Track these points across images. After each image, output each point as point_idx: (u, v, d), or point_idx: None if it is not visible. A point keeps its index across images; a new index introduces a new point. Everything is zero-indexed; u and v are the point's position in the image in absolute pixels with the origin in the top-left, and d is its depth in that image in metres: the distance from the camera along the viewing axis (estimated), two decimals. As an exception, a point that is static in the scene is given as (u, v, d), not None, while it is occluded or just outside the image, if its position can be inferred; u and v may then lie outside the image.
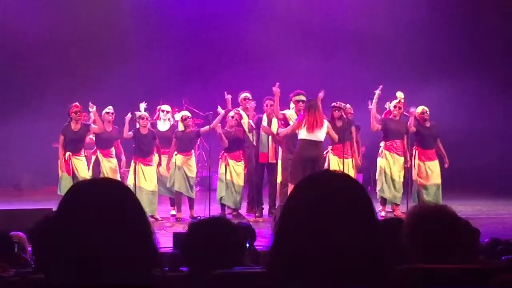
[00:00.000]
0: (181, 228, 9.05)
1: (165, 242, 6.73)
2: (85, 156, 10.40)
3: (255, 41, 14.97)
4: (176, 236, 6.21)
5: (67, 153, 10.06)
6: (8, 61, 15.08)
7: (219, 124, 10.30)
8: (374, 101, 10.38)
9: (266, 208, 10.69)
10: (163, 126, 10.86)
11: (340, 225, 1.59)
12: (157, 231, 7.89)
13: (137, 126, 10.26)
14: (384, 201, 10.55)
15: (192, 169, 10.46)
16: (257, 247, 5.41)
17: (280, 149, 10.37)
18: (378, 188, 10.56)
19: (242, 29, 15.33)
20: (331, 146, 10.38)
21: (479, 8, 15.04)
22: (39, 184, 14.86)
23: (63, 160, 10.03)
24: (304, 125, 9.34)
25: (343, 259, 1.57)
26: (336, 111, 10.22)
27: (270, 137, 10.49)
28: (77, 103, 10.18)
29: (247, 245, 4.53)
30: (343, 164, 10.12)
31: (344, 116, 10.33)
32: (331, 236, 1.58)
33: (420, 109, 10.58)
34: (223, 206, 10.49)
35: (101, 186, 1.74)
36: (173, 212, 10.64)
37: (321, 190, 1.64)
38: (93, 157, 10.48)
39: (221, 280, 2.70)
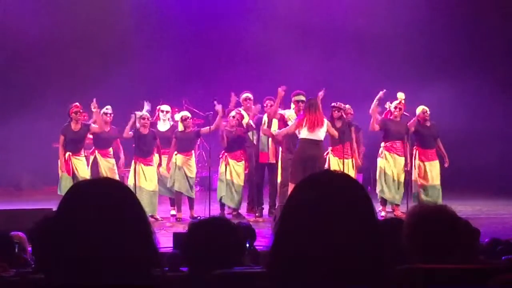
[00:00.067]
0: (181, 228, 9.05)
1: (165, 242, 6.73)
2: (85, 156, 10.41)
3: (255, 41, 14.97)
4: (176, 236, 6.21)
5: (67, 153, 10.06)
6: (8, 61, 15.07)
7: (224, 123, 10.32)
8: (375, 102, 10.38)
9: (266, 208, 10.69)
10: (163, 126, 10.86)
11: (340, 225, 1.59)
12: (157, 231, 7.88)
13: (138, 126, 10.25)
14: (384, 201, 10.55)
15: (192, 169, 10.46)
16: (257, 247, 5.40)
17: (280, 149, 10.36)
18: (378, 189, 10.56)
19: (242, 29, 15.33)
20: (331, 147, 10.38)
21: (479, 8, 15.04)
22: (39, 184, 14.86)
23: (63, 160, 10.03)
24: (305, 125, 9.33)
25: (343, 259, 1.57)
26: (336, 112, 10.23)
27: (271, 133, 10.48)
28: (77, 103, 10.18)
29: (247, 245, 4.53)
30: (343, 164, 10.12)
31: (344, 116, 10.34)
32: (331, 236, 1.58)
33: (420, 109, 10.58)
34: (222, 206, 10.50)
35: (101, 186, 1.74)
36: (173, 212, 10.64)
37: (321, 190, 1.64)
38: (91, 157, 10.48)
39: (221, 280, 2.70)
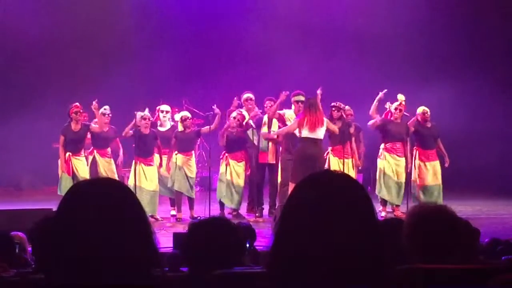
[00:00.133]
0: (181, 228, 9.06)
1: (165, 242, 6.73)
2: (85, 156, 10.41)
3: (255, 41, 14.97)
4: (176, 236, 6.21)
5: (67, 153, 10.06)
6: (8, 61, 15.07)
7: (228, 122, 10.35)
8: (375, 103, 10.38)
9: (266, 208, 10.69)
10: (163, 126, 10.87)
11: (340, 225, 1.59)
12: (157, 231, 7.88)
13: (139, 125, 10.25)
14: (384, 202, 10.54)
15: (192, 169, 10.47)
16: (257, 247, 5.41)
17: (280, 149, 10.37)
18: (377, 190, 10.55)
19: (242, 29, 15.34)
20: (331, 147, 10.37)
21: (479, 8, 15.03)
22: (39, 184, 14.86)
23: (63, 160, 10.03)
24: (306, 124, 9.32)
25: (343, 259, 1.57)
26: (336, 111, 10.22)
27: (271, 136, 10.47)
28: (77, 103, 10.18)
29: (247, 245, 4.53)
30: (343, 164, 10.12)
31: (344, 116, 10.34)
32: (332, 236, 1.58)
33: (420, 109, 10.57)
34: (222, 206, 10.50)
35: (101, 186, 1.74)
36: (173, 212, 10.64)
37: (321, 190, 1.64)
38: (90, 157, 10.48)
39: (221, 280, 2.70)
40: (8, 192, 14.66)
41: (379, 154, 10.64)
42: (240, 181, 10.40)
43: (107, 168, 10.49)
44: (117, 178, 10.42)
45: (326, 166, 10.05)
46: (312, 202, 1.62)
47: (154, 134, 10.40)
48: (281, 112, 10.25)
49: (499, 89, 14.53)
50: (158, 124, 10.90)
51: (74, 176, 9.99)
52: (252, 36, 14.99)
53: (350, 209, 1.61)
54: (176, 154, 10.37)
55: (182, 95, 13.92)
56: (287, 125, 9.90)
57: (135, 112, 10.27)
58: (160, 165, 10.44)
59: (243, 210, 10.66)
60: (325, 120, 9.57)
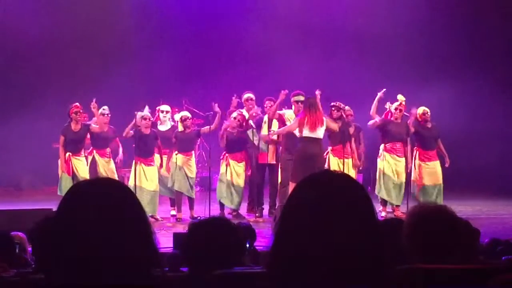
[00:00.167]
0: (181, 228, 9.06)
1: (165, 242, 6.73)
2: (85, 156, 10.41)
3: (255, 41, 14.97)
4: (176, 236, 6.21)
5: (67, 154, 10.06)
6: (8, 61, 15.07)
7: (226, 122, 10.32)
8: (375, 103, 10.37)
9: (266, 208, 10.69)
10: (163, 126, 10.87)
11: (340, 225, 1.59)
12: (157, 231, 7.87)
13: (139, 125, 10.24)
14: (384, 202, 10.54)
15: (192, 169, 10.47)
16: (257, 247, 5.41)
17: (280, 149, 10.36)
18: (376, 190, 10.55)
19: (242, 29, 15.34)
20: (331, 147, 10.37)
21: (479, 8, 15.04)
22: (39, 184, 14.86)
23: (64, 161, 10.03)
24: (307, 124, 9.31)
25: (343, 259, 1.57)
26: (335, 111, 10.22)
27: (271, 137, 10.46)
28: (77, 104, 10.18)
29: (247, 245, 4.53)
30: (343, 164, 10.12)
31: (344, 116, 10.34)
32: (332, 236, 1.58)
33: (421, 110, 10.55)
34: (222, 206, 10.50)
35: (101, 186, 1.74)
36: (173, 212, 10.64)
37: (321, 190, 1.64)
38: (89, 157, 10.48)
39: (221, 280, 2.70)
40: (8, 192, 14.66)
41: (379, 154, 10.63)
42: (240, 182, 10.40)
43: (107, 168, 10.49)
44: (117, 178, 10.43)
45: (326, 166, 10.05)
46: (312, 202, 1.62)
47: (154, 134, 10.40)
48: (280, 112, 10.24)
49: (499, 89, 14.53)
50: (159, 123, 10.90)
51: (74, 176, 9.99)
52: (252, 36, 14.99)
53: (350, 209, 1.61)
54: (176, 154, 10.37)
55: (182, 95, 13.91)
56: (286, 125, 9.89)
57: (135, 112, 10.26)
58: (161, 165, 10.43)
59: (243, 210, 10.66)
60: (325, 119, 9.57)
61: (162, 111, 10.92)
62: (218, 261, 2.90)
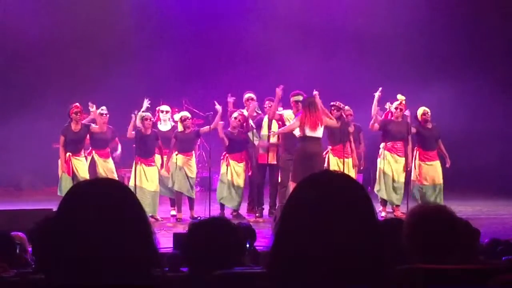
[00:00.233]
0: (181, 228, 9.06)
1: (165, 242, 6.73)
2: (85, 156, 10.41)
3: (255, 41, 14.97)
4: (176, 236, 6.21)
5: (67, 154, 10.06)
6: (8, 61, 15.07)
7: (221, 122, 10.30)
8: (374, 103, 10.37)
9: (266, 208, 10.68)
10: (164, 126, 10.87)
11: (340, 225, 1.59)
12: (157, 231, 7.88)
13: (139, 125, 10.23)
14: (384, 202, 10.54)
15: (192, 170, 10.46)
16: (257, 248, 5.41)
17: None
18: (376, 189, 10.54)
19: (242, 29, 15.33)
20: (330, 147, 10.37)
21: (479, 8, 15.03)
22: (39, 184, 14.86)
23: (64, 161, 10.03)
24: (307, 123, 9.31)
25: (343, 259, 1.57)
26: (335, 111, 10.21)
27: (271, 138, 10.46)
28: (77, 104, 10.18)
29: (247, 245, 4.53)
30: (343, 164, 10.12)
31: (344, 116, 10.34)
32: (332, 236, 1.58)
33: (421, 110, 10.55)
34: (222, 206, 10.49)
35: (101, 186, 1.74)
36: (173, 212, 10.64)
37: (321, 190, 1.64)
38: (89, 158, 10.48)
39: (221, 281, 2.70)
40: (8, 192, 14.66)
41: (380, 153, 10.63)
42: (240, 182, 10.40)
43: (106, 168, 10.50)
44: (116, 178, 10.43)
45: (325, 165, 10.04)
46: (312, 202, 1.62)
47: (155, 134, 10.39)
48: (280, 112, 10.23)
49: (499, 89, 14.53)
50: (159, 123, 10.89)
51: (74, 176, 9.98)
52: (252, 36, 14.99)
53: (350, 209, 1.61)
54: (176, 155, 10.36)
55: (182, 95, 13.92)
56: (286, 125, 9.88)
57: (135, 112, 10.23)
58: (162, 166, 10.42)
59: (243, 210, 10.66)
60: (324, 118, 9.56)
61: (162, 111, 10.92)
62: (218, 261, 2.90)
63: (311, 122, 9.31)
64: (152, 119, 10.48)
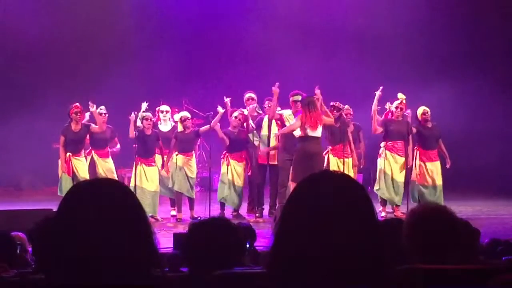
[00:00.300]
0: (182, 228, 9.06)
1: (165, 242, 6.73)
2: (85, 156, 10.41)
3: (255, 41, 14.97)
4: (177, 236, 6.21)
5: (67, 154, 10.06)
6: (8, 61, 15.07)
7: (218, 124, 10.29)
8: (374, 103, 10.36)
9: (266, 208, 10.68)
10: (164, 126, 10.87)
11: (340, 225, 1.59)
12: (157, 231, 7.87)
13: (140, 126, 10.23)
14: (384, 202, 10.54)
15: (192, 170, 10.46)
16: (257, 248, 5.40)
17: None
18: (376, 188, 10.54)
19: (242, 29, 15.34)
20: (330, 147, 10.36)
21: (479, 8, 15.04)
22: (39, 184, 14.86)
23: (64, 161, 10.03)
24: (308, 123, 9.30)
25: (343, 259, 1.57)
26: (335, 112, 10.20)
27: (271, 138, 10.46)
28: (77, 104, 10.18)
29: (247, 245, 4.53)
30: (343, 164, 10.12)
31: (344, 116, 10.33)
32: (331, 236, 1.58)
33: (421, 109, 10.55)
34: (223, 206, 10.49)
35: (101, 186, 1.74)
36: (173, 212, 10.64)
37: (321, 190, 1.64)
38: (88, 158, 10.48)
39: (221, 281, 2.70)
40: (8, 192, 14.67)
41: (380, 152, 10.62)
42: (240, 182, 10.40)
43: (106, 168, 10.50)
44: (116, 178, 10.44)
45: (325, 165, 10.04)
46: (312, 202, 1.62)
47: (156, 134, 10.39)
48: (280, 112, 10.22)
49: (499, 89, 14.53)
50: (159, 124, 10.89)
51: (74, 176, 9.98)
52: (252, 36, 14.99)
53: (350, 209, 1.61)
54: (176, 155, 10.36)
55: (182, 95, 13.92)
56: (286, 125, 9.88)
57: (134, 112, 10.22)
58: (162, 166, 10.41)
59: (243, 210, 10.66)
60: (322, 117, 9.56)
61: (162, 111, 10.92)
62: (218, 261, 2.90)
63: (312, 121, 9.30)
64: (153, 119, 10.48)
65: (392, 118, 10.50)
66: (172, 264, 3.84)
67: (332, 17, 15.35)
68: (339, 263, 1.56)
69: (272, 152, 10.42)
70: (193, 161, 10.56)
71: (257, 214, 10.45)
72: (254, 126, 10.54)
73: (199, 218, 9.52)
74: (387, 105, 10.59)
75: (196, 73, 15.73)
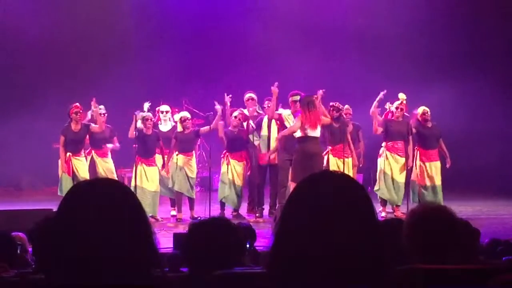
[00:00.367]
0: (182, 228, 9.06)
1: (165, 242, 6.73)
2: (85, 156, 10.41)
3: (255, 41, 14.97)
4: (177, 236, 6.22)
5: (68, 154, 10.06)
6: (8, 61, 15.07)
7: (221, 122, 10.30)
8: (375, 103, 10.36)
9: (266, 208, 10.68)
10: (164, 126, 10.88)
11: (340, 225, 1.59)
12: (157, 231, 7.88)
13: (140, 126, 10.23)
14: (384, 202, 10.54)
15: (193, 170, 10.47)
16: (257, 248, 5.41)
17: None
18: (375, 188, 10.54)
19: (242, 29, 15.33)
20: (330, 147, 10.35)
21: (479, 8, 15.03)
22: (39, 184, 14.86)
23: (64, 161, 10.03)
24: (308, 123, 9.29)
25: (343, 259, 1.57)
26: (335, 112, 10.20)
27: (271, 138, 10.45)
28: (77, 104, 10.18)
29: (247, 245, 4.53)
30: (343, 164, 10.12)
31: (344, 116, 10.33)
32: (332, 236, 1.58)
33: (421, 109, 10.55)
34: (223, 206, 10.49)
35: (101, 186, 1.74)
36: (173, 212, 10.64)
37: (321, 190, 1.64)
38: (88, 158, 10.48)
39: (221, 281, 2.70)
40: (8, 192, 14.66)
41: (380, 152, 10.62)
42: (240, 181, 10.40)
43: (106, 168, 10.51)
44: (116, 178, 10.44)
45: (325, 165, 10.04)
46: (312, 202, 1.62)
47: (156, 134, 10.39)
48: (278, 112, 10.22)
49: (499, 90, 14.53)
50: (159, 124, 10.89)
51: (74, 176, 9.98)
52: (252, 36, 14.99)
53: (350, 209, 1.61)
54: (177, 155, 10.36)
55: (182, 95, 13.92)
56: (285, 125, 9.88)
57: (136, 112, 10.23)
58: (163, 166, 10.41)
59: (243, 210, 10.66)
60: (321, 117, 9.56)
61: (162, 111, 10.92)
62: (218, 261, 2.90)
63: (311, 122, 9.29)
64: (153, 119, 10.48)
65: (392, 118, 10.50)
66: (172, 264, 3.84)
67: (332, 17, 15.35)
68: (339, 263, 1.56)
69: (272, 156, 10.38)
70: (193, 161, 10.56)
71: (257, 214, 10.45)
72: (254, 126, 10.54)
73: (199, 218, 9.52)
74: (387, 105, 10.59)
75: (196, 73, 15.72)
